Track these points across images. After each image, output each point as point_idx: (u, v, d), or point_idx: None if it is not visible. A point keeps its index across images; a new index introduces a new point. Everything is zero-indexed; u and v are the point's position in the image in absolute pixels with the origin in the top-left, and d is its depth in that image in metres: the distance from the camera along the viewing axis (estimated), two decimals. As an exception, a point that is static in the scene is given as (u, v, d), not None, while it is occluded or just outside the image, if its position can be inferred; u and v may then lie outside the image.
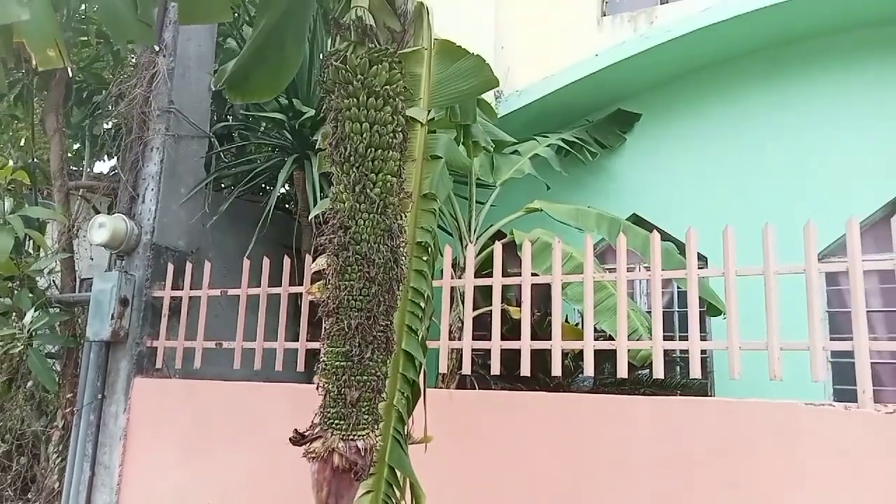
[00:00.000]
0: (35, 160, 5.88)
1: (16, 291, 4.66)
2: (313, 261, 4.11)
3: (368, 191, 2.01)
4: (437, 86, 3.01)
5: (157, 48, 4.61)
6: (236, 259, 4.76)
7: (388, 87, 2.17)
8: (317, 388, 2.03)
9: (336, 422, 1.92)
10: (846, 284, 2.94)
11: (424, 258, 2.56)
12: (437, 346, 3.76)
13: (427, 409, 2.62)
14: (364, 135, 2.07)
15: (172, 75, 4.69)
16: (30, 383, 4.84)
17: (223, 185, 5.65)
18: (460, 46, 3.05)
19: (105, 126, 5.88)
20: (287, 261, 4.23)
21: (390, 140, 2.10)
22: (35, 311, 4.40)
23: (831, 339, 4.65)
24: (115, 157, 5.01)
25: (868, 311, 5.48)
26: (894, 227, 2.81)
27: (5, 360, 4.68)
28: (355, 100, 2.12)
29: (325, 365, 1.96)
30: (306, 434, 2.00)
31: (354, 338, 1.89)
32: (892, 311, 5.34)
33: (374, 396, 1.95)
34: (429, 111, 2.84)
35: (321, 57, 5.20)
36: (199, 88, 4.98)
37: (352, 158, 2.05)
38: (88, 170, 6.35)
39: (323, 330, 2.02)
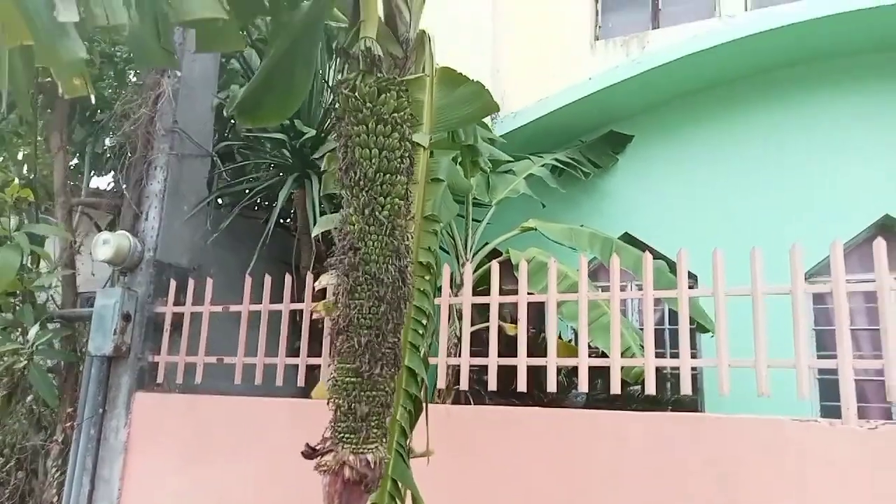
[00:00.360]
0: (35, 176, 5.95)
1: (18, 307, 4.72)
2: (315, 279, 4.22)
3: (377, 213, 2.11)
4: (440, 111, 3.13)
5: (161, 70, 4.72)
6: (237, 275, 4.84)
7: (395, 114, 2.29)
8: (327, 404, 2.11)
9: (347, 436, 2.00)
10: (832, 303, 3.06)
11: (427, 277, 2.67)
12: (435, 363, 3.85)
13: (431, 425, 2.71)
14: (373, 160, 2.18)
15: (177, 96, 4.80)
16: (29, 398, 4.87)
17: (224, 203, 5.74)
18: (461, 73, 3.18)
19: (106, 144, 5.97)
20: (288, 278, 4.32)
21: (398, 165, 2.21)
22: (39, 326, 4.46)
23: (818, 357, 4.77)
24: (117, 175, 5.08)
25: (854, 330, 5.65)
26: (876, 250, 2.94)
27: (6, 375, 4.72)
28: (365, 127, 2.23)
29: (336, 381, 2.05)
30: (318, 448, 2.08)
31: (364, 355, 1.99)
32: (878, 330, 5.48)
33: (383, 411, 2.05)
34: (431, 136, 2.96)
35: (323, 80, 5.34)
36: (202, 108, 5.09)
37: (361, 182, 2.15)
38: (87, 186, 6.43)
39: (332, 347, 2.11)
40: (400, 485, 2.60)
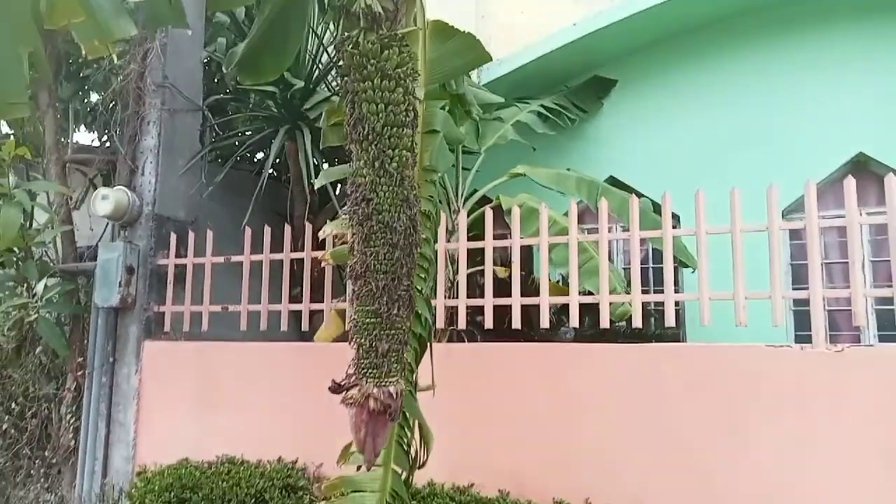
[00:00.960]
0: (23, 133, 5.95)
1: (19, 263, 4.82)
2: (313, 229, 4.36)
3: (387, 165, 2.25)
4: (433, 63, 3.24)
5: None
6: (231, 227, 4.99)
7: (398, 69, 2.40)
8: (349, 343, 2.29)
9: (370, 371, 2.19)
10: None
11: (427, 225, 2.84)
12: (433, 305, 4.05)
13: (436, 361, 2.92)
14: (380, 114, 2.31)
15: (165, 51, 4.82)
16: (38, 349, 5.03)
17: (217, 157, 5.81)
18: (453, 26, 3.27)
19: (93, 99, 5.96)
20: (288, 229, 4.46)
21: (404, 118, 2.34)
22: (45, 280, 4.58)
23: (794, 289, 5.06)
24: (109, 130, 5.12)
25: (828, 263, 5.93)
26: (846, 188, 3.15)
27: (14, 329, 4.87)
28: (370, 83, 2.34)
29: (357, 322, 2.22)
30: (343, 383, 2.27)
31: (382, 297, 2.16)
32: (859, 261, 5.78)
33: (401, 347, 2.24)
34: (425, 88, 3.08)
35: (312, 31, 5.35)
36: (191, 62, 5.11)
37: (370, 136, 2.28)
38: (74, 143, 6.44)
39: (351, 292, 2.28)
40: (409, 415, 2.83)
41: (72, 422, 4.88)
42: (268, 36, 2.97)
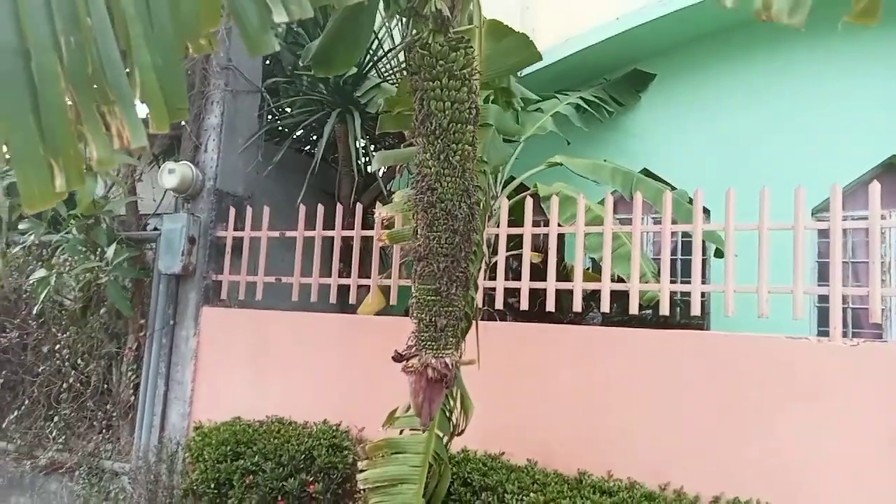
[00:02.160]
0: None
1: (90, 229, 5.20)
2: (363, 210, 4.65)
3: (451, 158, 2.53)
4: (487, 61, 3.49)
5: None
6: (283, 204, 5.32)
7: (464, 70, 2.65)
8: (410, 317, 2.58)
9: (429, 343, 2.48)
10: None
11: (479, 213, 3.11)
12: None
13: (472, 337, 3.20)
14: (446, 112, 2.57)
15: (230, 34, 5.12)
16: (103, 310, 5.43)
17: (272, 138, 6.12)
18: (508, 25, 3.51)
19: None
20: (339, 208, 4.77)
21: (467, 116, 2.61)
22: (114, 246, 4.95)
23: (818, 286, 5.24)
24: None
25: (855, 262, 6.07)
26: (871, 192, 3.35)
27: (83, 290, 5.27)
28: (439, 82, 2.60)
29: (419, 300, 2.51)
30: (404, 353, 2.56)
31: (443, 277, 2.45)
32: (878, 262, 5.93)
33: (457, 324, 2.53)
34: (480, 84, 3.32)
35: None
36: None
37: (437, 132, 2.56)
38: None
39: (414, 272, 2.57)
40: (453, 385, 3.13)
41: (132, 379, 5.28)
42: (342, 31, 3.23)
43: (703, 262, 6.29)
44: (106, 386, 5.46)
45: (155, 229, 5.36)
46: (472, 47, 2.72)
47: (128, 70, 2.01)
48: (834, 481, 3.22)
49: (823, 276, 5.90)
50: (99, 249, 5.08)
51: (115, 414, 5.37)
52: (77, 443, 5.37)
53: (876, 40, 6.11)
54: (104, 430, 5.41)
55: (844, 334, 4.75)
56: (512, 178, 6.02)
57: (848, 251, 5.99)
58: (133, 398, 5.27)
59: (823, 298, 3.48)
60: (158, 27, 1.83)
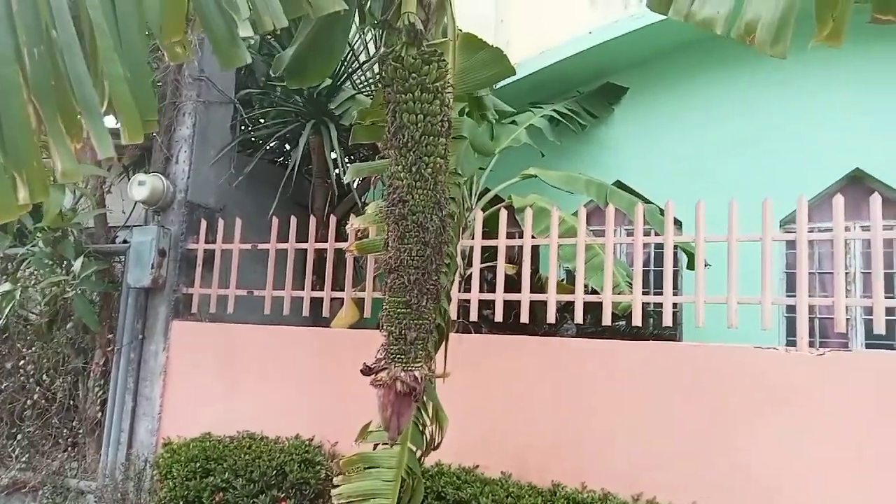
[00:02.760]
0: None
1: (57, 241, 5.09)
2: (337, 222, 4.62)
3: (423, 171, 2.52)
4: (461, 74, 3.49)
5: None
6: (255, 216, 5.28)
7: (437, 83, 2.65)
8: (379, 330, 2.56)
9: (398, 356, 2.46)
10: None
11: (452, 225, 3.10)
12: (447, 297, 4.32)
13: (447, 350, 3.18)
14: (419, 124, 2.56)
15: (203, 45, 5.08)
16: (69, 325, 5.32)
17: (245, 149, 6.07)
18: (481, 39, 3.52)
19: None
20: (313, 220, 4.74)
21: (439, 128, 2.60)
22: (81, 259, 4.86)
23: (786, 296, 5.33)
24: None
25: (822, 273, 6.18)
26: (834, 205, 3.42)
27: (49, 304, 5.16)
28: (411, 94, 2.60)
29: (388, 312, 2.49)
30: (373, 366, 2.53)
31: (413, 290, 2.43)
32: (845, 273, 6.05)
33: (427, 336, 2.51)
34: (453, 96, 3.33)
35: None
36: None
37: (409, 144, 2.54)
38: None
39: (384, 284, 2.55)
40: (426, 399, 3.10)
41: (99, 395, 5.17)
42: (315, 43, 3.22)
43: (676, 273, 6.37)
44: (72, 402, 5.34)
45: (124, 242, 5.28)
46: (444, 60, 2.73)
47: (96, 82, 1.99)
48: (803, 488, 3.26)
49: (792, 286, 5.96)
50: (66, 263, 4.98)
51: (81, 431, 5.25)
52: (41, 461, 5.23)
53: (841, 56, 6.27)
54: (69, 448, 5.28)
55: (812, 344, 4.83)
56: (487, 190, 6.04)
57: (815, 262, 6.11)
58: (100, 414, 5.15)
59: (792, 308, 3.54)
60: (126, 40, 1.81)
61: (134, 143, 1.90)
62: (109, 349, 5.15)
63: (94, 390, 5.20)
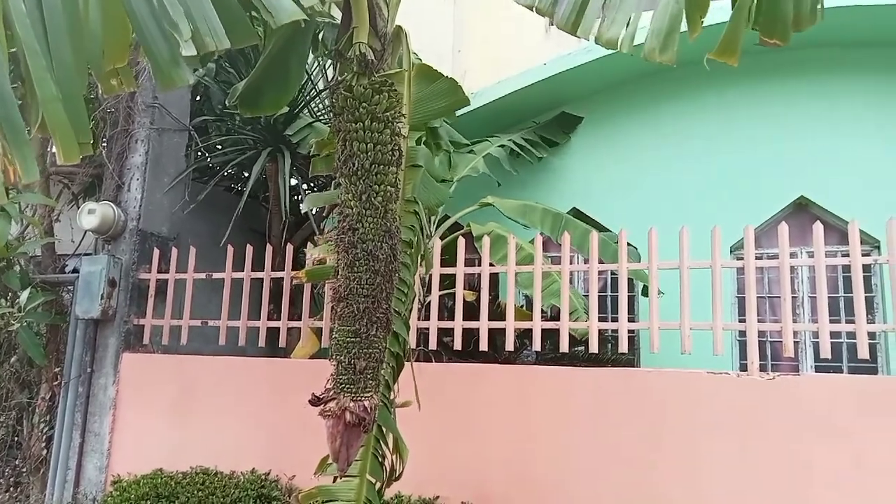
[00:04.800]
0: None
1: (2, 272, 4.92)
2: (294, 250, 4.57)
3: (373, 199, 2.52)
4: (417, 104, 3.52)
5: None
6: (211, 244, 5.19)
7: (387, 112, 2.67)
8: (329, 360, 2.52)
9: (347, 386, 2.42)
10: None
11: (408, 252, 3.10)
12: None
13: (406, 379, 3.16)
14: (369, 153, 2.57)
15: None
16: (13, 358, 5.12)
17: (200, 176, 6.00)
18: (436, 70, 3.57)
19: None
20: (269, 248, 4.68)
21: (390, 157, 2.61)
22: (28, 291, 4.70)
23: (739, 321, 5.44)
24: (97, 147, 5.27)
25: (772, 297, 6.33)
26: (780, 233, 3.52)
27: (-9, 337, 4.97)
28: (361, 124, 2.61)
29: (338, 341, 2.46)
30: (322, 397, 2.49)
31: (362, 318, 2.41)
32: (793, 297, 6.22)
33: (377, 366, 2.48)
34: (409, 126, 3.35)
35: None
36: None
37: (359, 172, 2.55)
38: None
39: (334, 312, 2.52)
40: (384, 429, 3.06)
41: (45, 431, 4.97)
42: (269, 72, 3.22)
43: (632, 298, 6.46)
44: (15, 439, 5.12)
45: (73, 271, 5.12)
46: (395, 90, 2.75)
47: (28, 104, 1.94)
48: (757, 513, 3.30)
49: (743, 310, 6.12)
50: (11, 294, 4.81)
51: (24, 469, 5.02)
52: (-18, 502, 4.99)
53: (787, 89, 6.52)
54: (12, 488, 5.04)
55: (763, 367, 4.94)
56: (446, 217, 6.06)
57: (765, 286, 6.26)
58: (45, 452, 4.95)
59: (744, 333, 3.62)
60: (59, 62, 1.78)
61: (69, 163, 1.86)
62: (56, 383, 4.97)
63: (40, 426, 4.99)
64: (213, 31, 1.91)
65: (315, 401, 2.56)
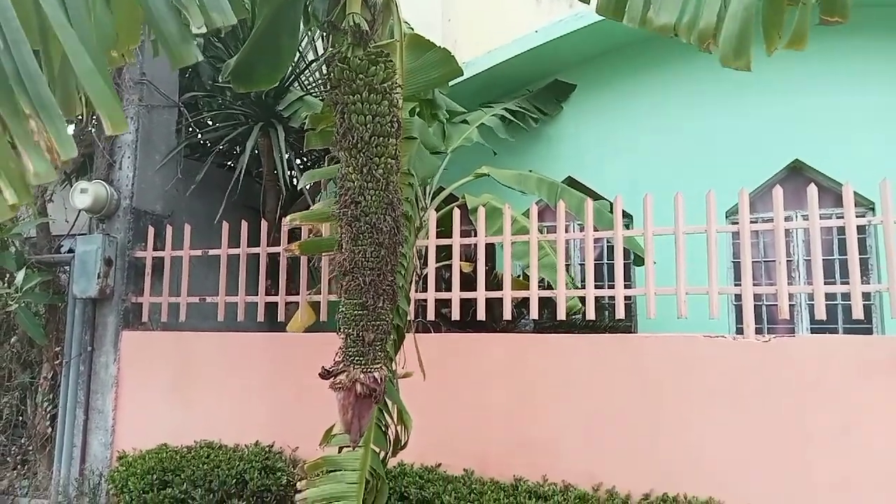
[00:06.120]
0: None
1: (-2, 254, 4.91)
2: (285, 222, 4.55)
3: (374, 171, 2.51)
4: (409, 75, 3.50)
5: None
6: (205, 221, 5.17)
7: (384, 83, 2.65)
8: (337, 333, 2.55)
9: (356, 358, 2.44)
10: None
11: (406, 225, 3.11)
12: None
13: (407, 350, 3.19)
14: (368, 125, 2.56)
15: (143, 48, 4.95)
16: (14, 339, 5.13)
17: (192, 153, 5.96)
18: (428, 40, 3.53)
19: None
20: (264, 224, 4.67)
21: (389, 129, 2.60)
22: (24, 271, 4.69)
23: (734, 286, 5.50)
24: (86, 124, 5.22)
25: (768, 261, 6.39)
26: (774, 196, 3.54)
27: (-10, 318, 4.97)
28: (359, 96, 2.59)
29: (345, 314, 2.47)
30: (332, 369, 2.52)
31: (369, 291, 2.42)
32: (789, 261, 6.27)
33: (385, 337, 2.51)
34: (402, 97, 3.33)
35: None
36: (168, 61, 5.24)
37: (359, 145, 2.54)
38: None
39: (340, 286, 2.53)
40: (388, 400, 3.11)
41: (48, 410, 5.01)
42: (261, 46, 3.17)
43: (627, 266, 6.50)
44: (20, 418, 5.15)
45: (69, 251, 5.11)
46: (391, 61, 2.73)
47: (54, 80, 1.92)
48: (750, 471, 3.37)
49: (739, 275, 6.19)
50: (7, 275, 4.80)
51: (30, 448, 5.07)
52: (-11, 481, 5.04)
53: (779, 54, 6.48)
54: (19, 466, 5.10)
55: (759, 330, 4.99)
56: (441, 189, 6.05)
57: (760, 251, 6.31)
58: (50, 430, 4.99)
59: (739, 297, 3.66)
60: (84, 39, 1.77)
61: (119, 133, 1.87)
62: (57, 362, 4.99)
63: (43, 405, 5.03)
64: (220, 7, 1.89)
65: (325, 374, 2.58)
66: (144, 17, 1.86)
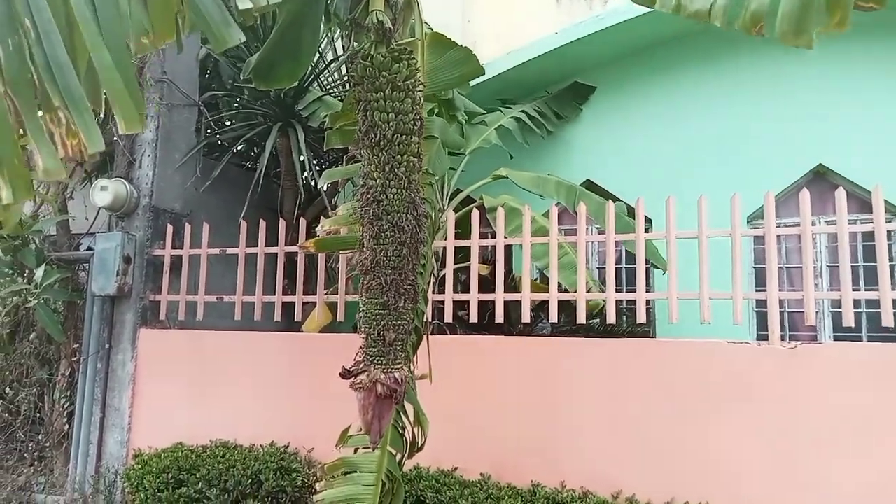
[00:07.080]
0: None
1: (17, 250, 4.94)
2: (307, 224, 4.56)
3: (396, 170, 2.48)
4: (431, 73, 3.47)
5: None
6: (223, 220, 5.18)
7: (407, 81, 2.62)
8: (358, 333, 2.52)
9: (377, 358, 2.41)
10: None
11: (426, 225, 3.08)
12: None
13: (422, 351, 3.15)
14: (390, 123, 2.53)
15: (164, 47, 4.96)
16: (32, 335, 5.16)
17: (211, 152, 5.97)
18: (450, 39, 3.51)
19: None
20: (282, 223, 4.66)
21: (412, 127, 2.57)
22: (43, 268, 4.71)
23: (756, 291, 5.40)
24: (108, 123, 5.24)
25: (790, 267, 6.29)
26: (801, 200, 3.47)
27: (10, 315, 4.99)
28: (382, 93, 2.56)
29: (366, 314, 2.44)
30: (352, 369, 2.49)
31: (390, 290, 2.39)
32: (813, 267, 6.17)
33: (406, 337, 2.47)
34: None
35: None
36: (188, 58, 5.27)
37: (381, 143, 2.51)
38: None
39: (361, 286, 2.51)
40: (405, 402, 3.07)
41: (65, 406, 5.02)
42: (283, 44, 3.16)
43: (648, 270, 6.43)
44: (37, 415, 5.18)
45: (88, 249, 5.13)
46: (414, 59, 2.70)
47: (81, 73, 1.91)
48: (772, 479, 3.30)
49: (760, 281, 6.10)
50: (27, 271, 4.83)
51: (47, 444, 5.09)
52: (6, 476, 5.05)
53: (805, 56, 6.40)
54: (36, 462, 5.11)
55: (782, 337, 4.91)
56: (458, 191, 6.02)
57: (783, 256, 6.21)
58: (67, 427, 5.01)
59: (761, 303, 3.59)
60: (107, 31, 1.76)
61: (132, 132, 1.85)
62: (75, 359, 5.01)
63: (61, 402, 5.05)
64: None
65: (346, 374, 2.56)
66: (183, 2, 1.85)
